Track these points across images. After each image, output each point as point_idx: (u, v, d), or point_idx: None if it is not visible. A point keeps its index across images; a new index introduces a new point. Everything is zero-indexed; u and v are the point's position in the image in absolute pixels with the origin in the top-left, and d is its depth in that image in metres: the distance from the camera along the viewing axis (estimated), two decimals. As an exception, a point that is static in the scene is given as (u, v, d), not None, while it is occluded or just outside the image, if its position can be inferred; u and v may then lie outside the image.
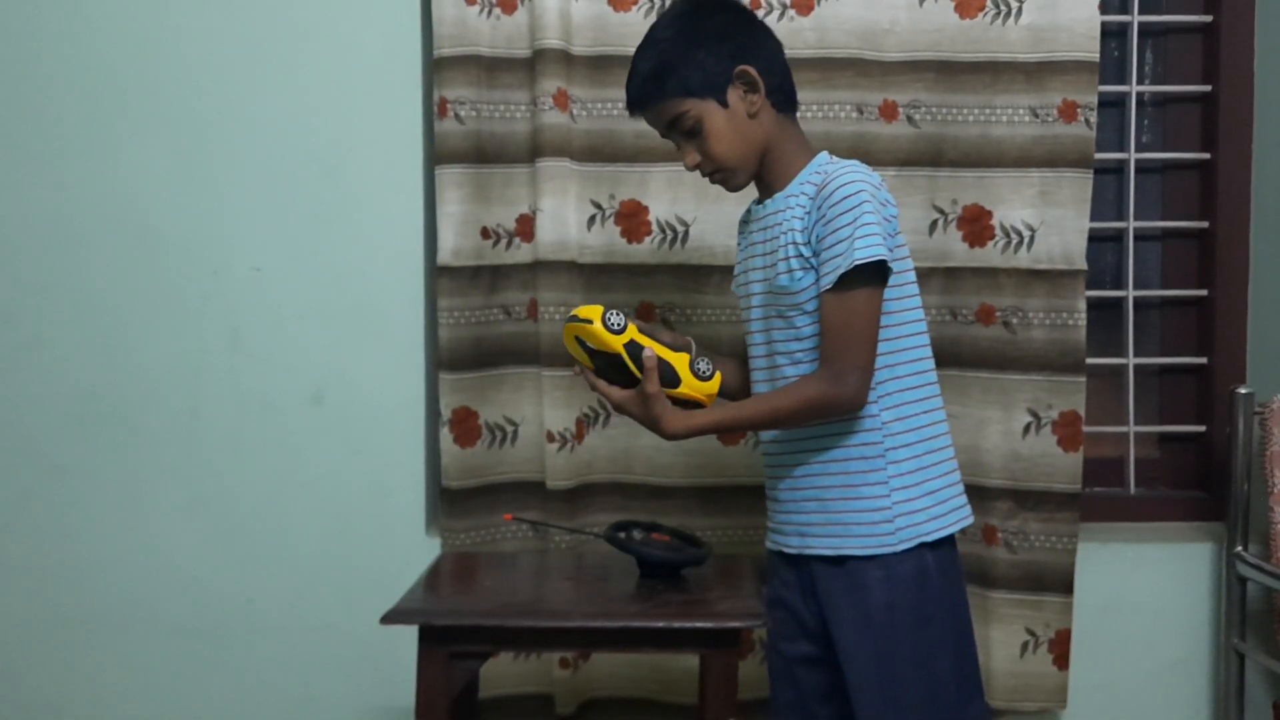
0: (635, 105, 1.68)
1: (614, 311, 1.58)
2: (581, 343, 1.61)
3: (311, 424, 2.15)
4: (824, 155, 1.66)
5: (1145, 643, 2.18)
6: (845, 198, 1.55)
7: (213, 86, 2.13)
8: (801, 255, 1.59)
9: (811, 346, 1.61)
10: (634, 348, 1.57)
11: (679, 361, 1.61)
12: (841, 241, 1.54)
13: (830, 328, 1.57)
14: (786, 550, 1.69)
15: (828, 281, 1.55)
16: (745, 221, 1.77)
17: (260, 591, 2.16)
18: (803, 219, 1.60)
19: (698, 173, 1.69)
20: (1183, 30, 2.31)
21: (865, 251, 1.52)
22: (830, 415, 1.59)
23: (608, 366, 1.62)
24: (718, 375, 1.64)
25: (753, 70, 1.63)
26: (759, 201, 1.72)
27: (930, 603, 1.62)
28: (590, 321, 1.56)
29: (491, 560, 1.94)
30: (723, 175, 1.67)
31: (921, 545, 1.60)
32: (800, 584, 1.69)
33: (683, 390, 1.61)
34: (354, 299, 2.14)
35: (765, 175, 1.68)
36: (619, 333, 1.57)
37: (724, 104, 1.62)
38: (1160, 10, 2.31)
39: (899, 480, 1.62)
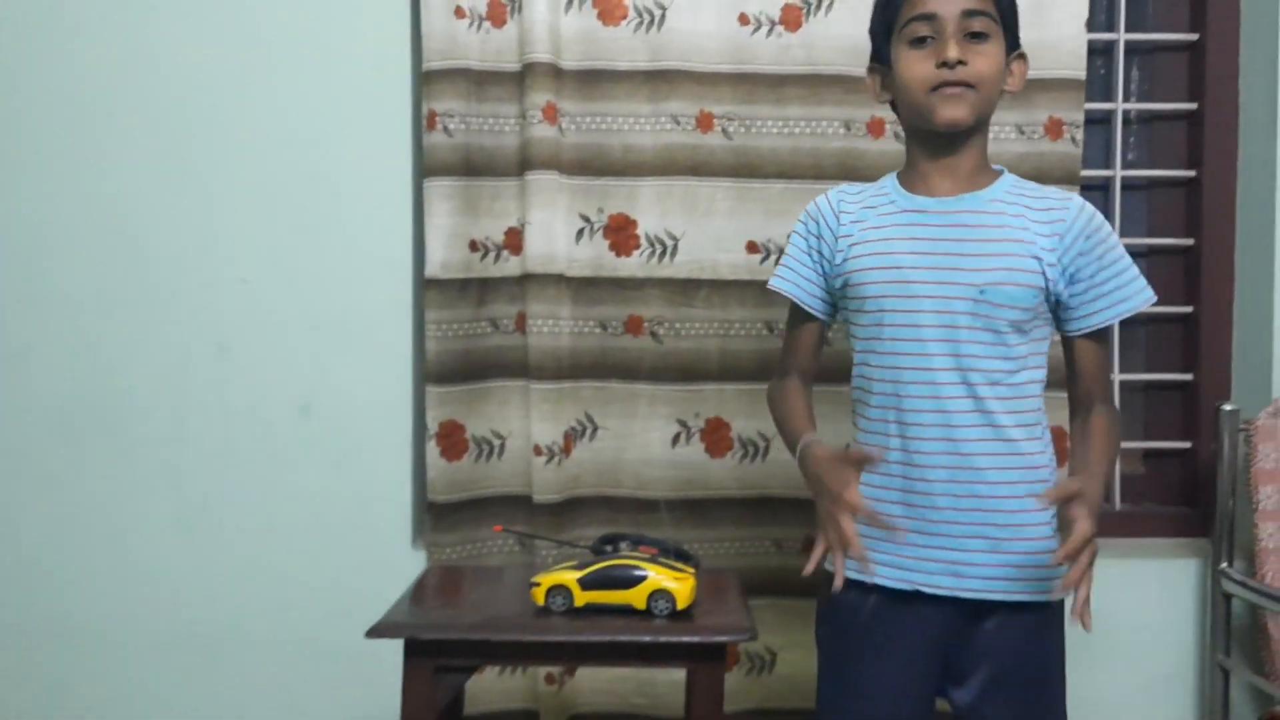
0: None
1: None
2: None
3: (298, 436, 2.14)
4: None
5: (1131, 658, 2.18)
6: (1109, 236, 1.53)
7: (201, 98, 2.12)
8: (1043, 273, 1.50)
9: (1014, 369, 1.51)
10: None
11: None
12: (1127, 284, 1.52)
13: (1101, 366, 1.56)
14: (926, 590, 1.53)
15: (1107, 317, 1.53)
16: (892, 209, 1.58)
17: (246, 604, 2.15)
18: (1049, 239, 1.51)
19: (943, 76, 1.52)
20: (1169, 48, 2.32)
21: (1146, 294, 1.53)
22: None
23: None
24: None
25: (1027, 63, 1.59)
26: (914, 189, 1.58)
27: (1062, 655, 1.59)
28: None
29: (478, 574, 1.94)
30: (964, 93, 1.49)
31: None
32: (925, 622, 1.54)
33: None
34: (342, 311, 2.14)
35: (965, 155, 1.55)
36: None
37: (1005, 50, 1.53)
38: (1146, 28, 2.32)
39: (1055, 523, 1.52)
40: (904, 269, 1.53)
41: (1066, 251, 1.51)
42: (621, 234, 2.13)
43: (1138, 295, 1.53)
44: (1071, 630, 2.07)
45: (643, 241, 2.13)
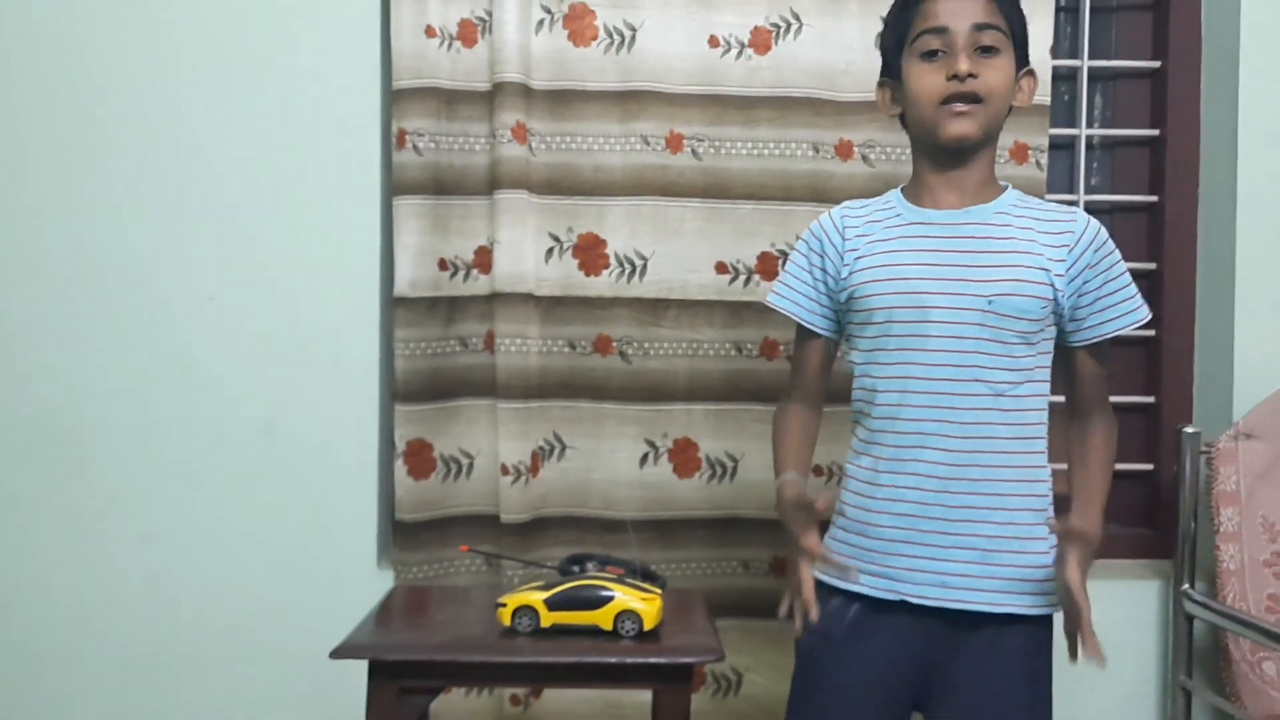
0: None
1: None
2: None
3: (264, 454, 2.13)
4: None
5: (1093, 679, 2.17)
6: (1113, 251, 1.56)
7: (170, 114, 2.11)
8: (1051, 285, 1.51)
9: (1021, 380, 1.51)
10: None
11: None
12: (1130, 299, 1.55)
13: (1101, 377, 1.59)
14: (913, 600, 1.52)
15: (1111, 329, 1.55)
16: (899, 222, 1.59)
17: (209, 623, 2.13)
18: (1058, 251, 1.52)
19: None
20: (1131, 75, 2.35)
21: (1143, 311, 1.56)
22: None
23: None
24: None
25: (1036, 80, 1.61)
26: (920, 203, 1.59)
27: (1049, 672, 1.59)
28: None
29: (444, 594, 1.93)
30: (973, 109, 1.51)
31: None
32: (909, 633, 1.55)
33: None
34: (309, 329, 2.13)
35: (972, 169, 1.56)
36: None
37: (1015, 66, 1.55)
38: (1109, 56, 2.35)
39: (1053, 539, 1.54)
40: (912, 280, 1.53)
41: (1075, 264, 1.53)
42: (591, 253, 2.13)
43: (1139, 310, 1.56)
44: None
45: (612, 261, 2.13)
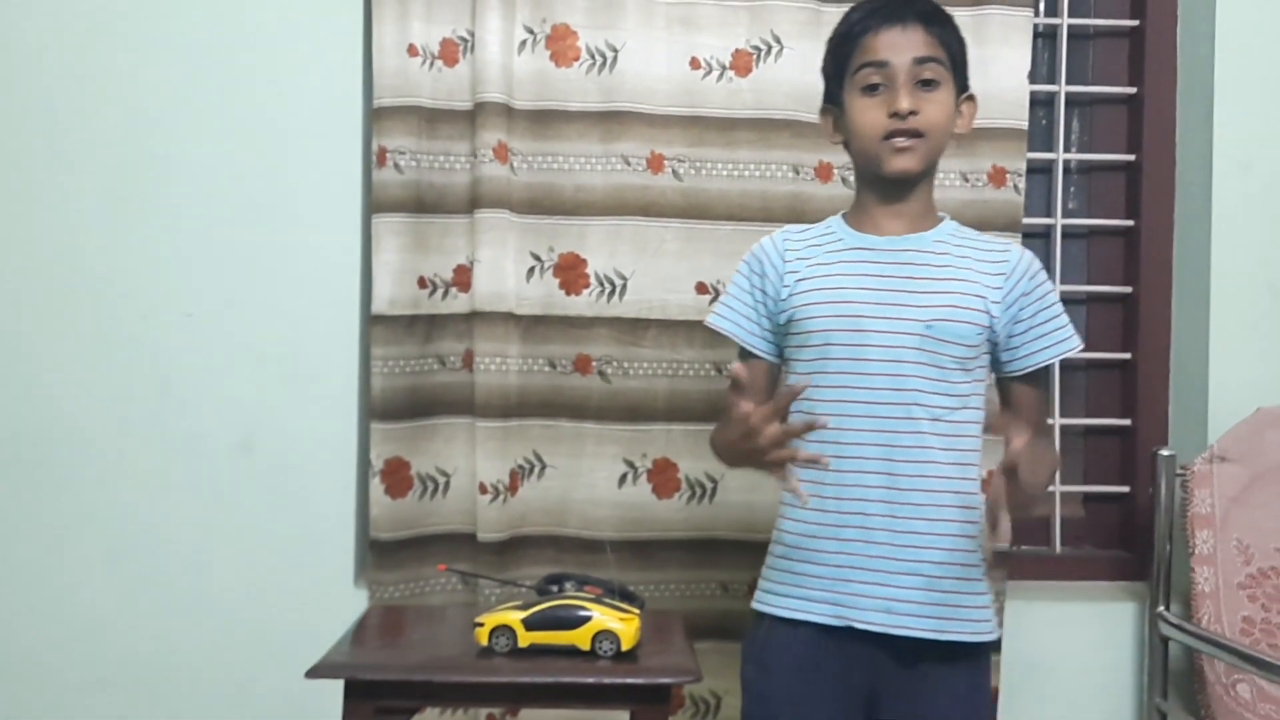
0: (921, 16, 1.55)
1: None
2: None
3: (240, 471, 2.12)
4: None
5: (1070, 701, 2.19)
6: (1046, 280, 1.61)
7: (150, 128, 2.11)
8: (987, 311, 1.54)
9: (956, 407, 1.54)
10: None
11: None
12: (1063, 327, 1.59)
13: (1039, 406, 1.63)
14: (858, 626, 1.52)
15: (1046, 357, 1.59)
16: (840, 247, 1.61)
17: (183, 642, 2.11)
18: (994, 279, 1.56)
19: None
20: (1108, 101, 2.38)
21: (1076, 339, 1.60)
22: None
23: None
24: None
25: (976, 104, 1.64)
26: (861, 228, 1.61)
27: (988, 696, 1.62)
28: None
29: (420, 613, 1.92)
30: (915, 144, 1.53)
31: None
32: (853, 659, 1.54)
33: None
34: (287, 346, 2.12)
35: (913, 199, 1.59)
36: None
37: (955, 94, 1.57)
38: (1087, 81, 2.38)
39: (984, 566, 1.58)
40: (852, 304, 1.55)
41: (1010, 292, 1.57)
42: (571, 273, 2.13)
43: (1071, 339, 1.60)
44: (1008, 673, 2.11)
45: (592, 281, 2.13)
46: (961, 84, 1.59)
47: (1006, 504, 1.34)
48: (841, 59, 1.59)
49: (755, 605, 1.62)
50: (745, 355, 1.67)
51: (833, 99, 1.62)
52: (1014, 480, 1.33)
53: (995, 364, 1.61)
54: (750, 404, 1.41)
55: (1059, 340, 1.59)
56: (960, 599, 1.52)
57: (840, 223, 1.64)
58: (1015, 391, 1.62)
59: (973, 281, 1.55)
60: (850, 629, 1.53)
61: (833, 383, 1.55)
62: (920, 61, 1.53)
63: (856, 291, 1.56)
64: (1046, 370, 1.62)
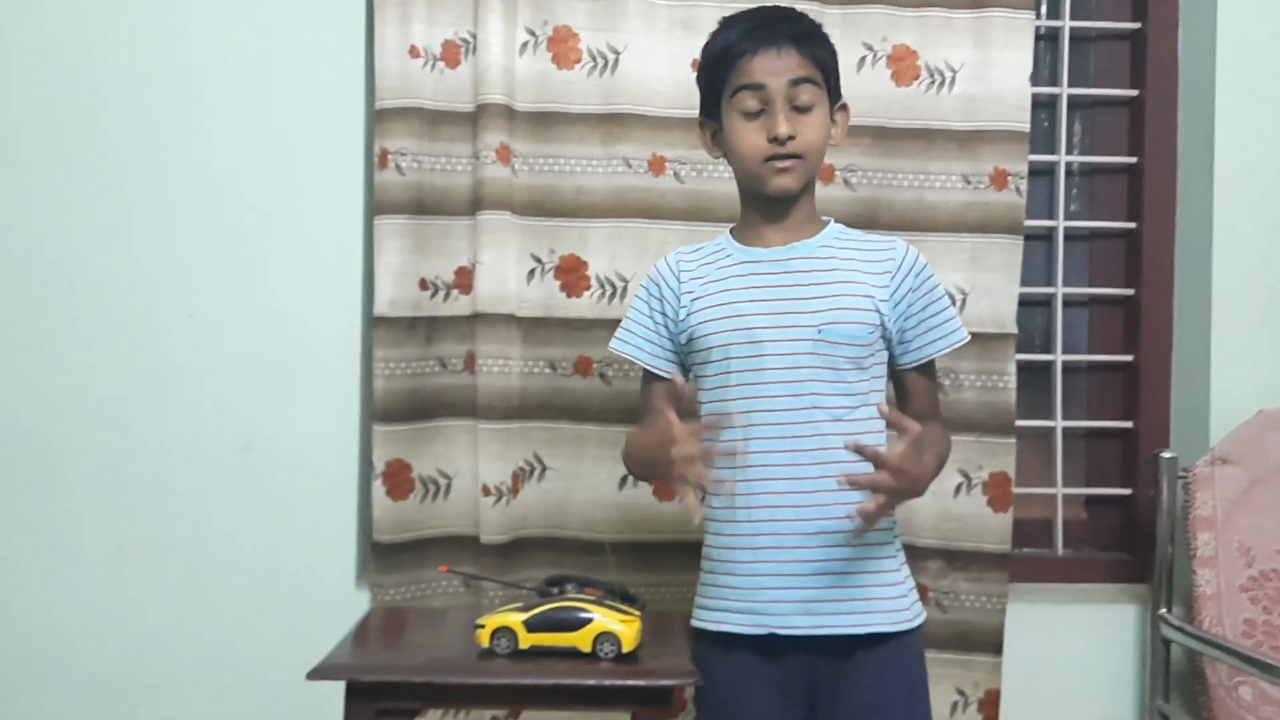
0: (795, 38, 1.58)
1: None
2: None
3: (240, 474, 2.12)
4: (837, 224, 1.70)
5: (1071, 703, 2.19)
6: (932, 275, 1.66)
7: (151, 132, 2.11)
8: (877, 310, 1.59)
9: (856, 405, 1.58)
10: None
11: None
12: (951, 320, 1.65)
13: (932, 393, 1.70)
14: (781, 632, 1.56)
15: (938, 349, 1.64)
16: (730, 263, 1.66)
17: (184, 644, 2.11)
18: (880, 278, 1.61)
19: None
20: (1110, 103, 2.38)
21: (964, 331, 1.66)
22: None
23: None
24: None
25: (849, 113, 1.68)
26: (748, 243, 1.66)
27: (925, 680, 1.65)
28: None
29: (421, 615, 1.92)
30: (795, 165, 1.58)
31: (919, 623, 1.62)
32: (789, 665, 1.58)
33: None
34: (288, 348, 2.12)
35: (794, 210, 1.64)
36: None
37: (830, 111, 1.62)
38: (1088, 83, 2.38)
39: (902, 555, 1.64)
40: (745, 316, 1.60)
41: (898, 289, 1.62)
42: (572, 275, 2.13)
43: (959, 331, 1.66)
44: (1010, 675, 2.11)
45: (593, 282, 2.13)
46: (834, 95, 1.64)
47: (884, 488, 1.44)
48: (718, 78, 1.62)
49: (692, 622, 1.66)
50: (650, 377, 1.72)
51: (710, 113, 1.67)
52: (902, 469, 1.44)
53: (890, 358, 1.66)
54: (675, 418, 1.48)
55: (948, 333, 1.65)
56: (876, 590, 1.57)
57: (729, 239, 1.70)
58: (909, 381, 1.68)
59: (860, 283, 1.60)
60: (774, 636, 1.56)
61: (736, 395, 1.60)
62: (796, 83, 1.57)
63: (749, 305, 1.61)
64: (934, 361, 1.68)
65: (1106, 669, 2.20)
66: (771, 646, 1.57)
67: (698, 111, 2.11)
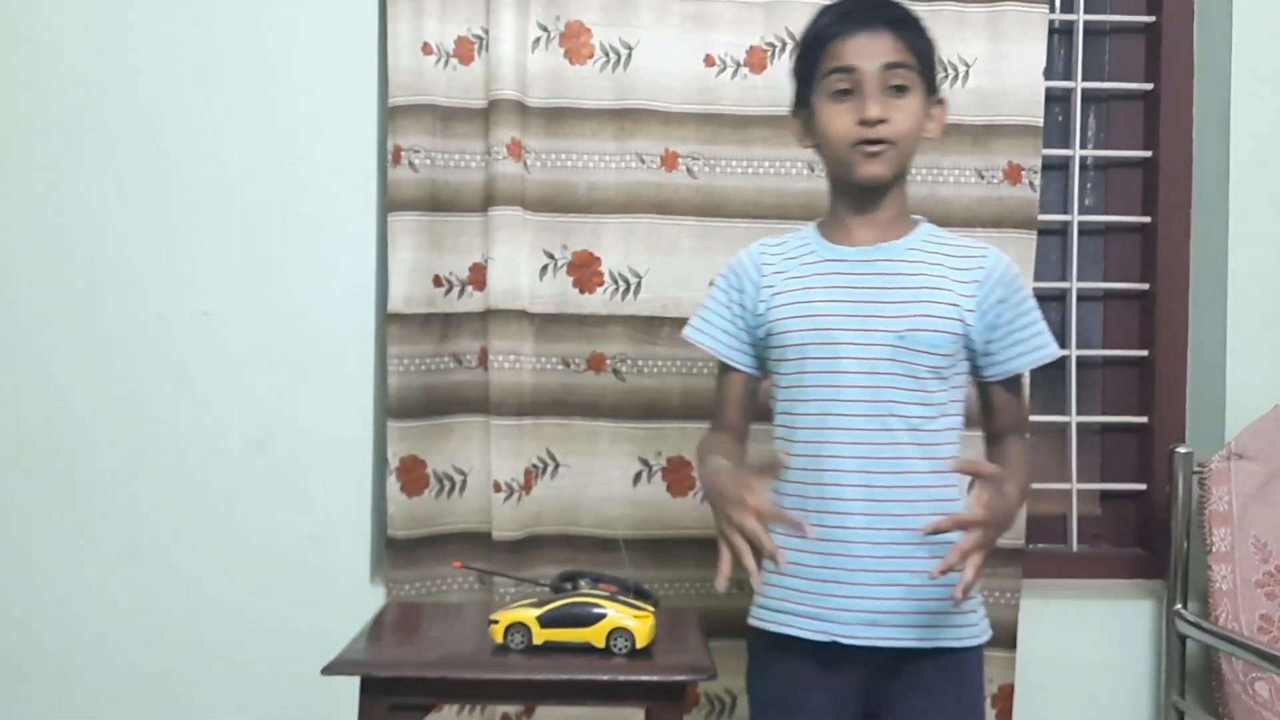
0: (890, 23, 1.53)
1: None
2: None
3: (256, 470, 2.12)
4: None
5: (1086, 699, 2.19)
6: (1024, 286, 1.60)
7: (165, 127, 2.12)
8: (962, 320, 1.54)
9: (933, 416, 1.53)
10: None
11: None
12: (1041, 334, 1.59)
13: (1018, 408, 1.63)
14: (843, 640, 1.52)
15: (1024, 364, 1.59)
16: (813, 259, 1.62)
17: (199, 640, 2.12)
18: (968, 286, 1.55)
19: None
20: (1124, 97, 2.37)
21: (1054, 346, 1.60)
22: None
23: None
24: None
25: (946, 107, 1.64)
26: (835, 238, 1.62)
27: (980, 707, 1.62)
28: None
29: (436, 611, 1.92)
30: (885, 150, 1.53)
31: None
32: (845, 673, 1.55)
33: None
34: (303, 345, 2.13)
35: (885, 206, 1.59)
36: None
37: (925, 98, 1.57)
38: (1103, 77, 2.37)
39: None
40: (824, 317, 1.56)
41: (986, 299, 1.56)
42: (585, 271, 2.13)
43: (1048, 347, 1.60)
44: (1024, 671, 2.11)
45: (606, 279, 2.13)
46: (931, 87, 1.59)
47: (981, 548, 1.38)
48: (810, 62, 1.58)
49: (750, 621, 1.64)
50: (725, 368, 1.68)
51: (803, 102, 1.62)
52: (992, 521, 1.38)
53: (974, 369, 1.61)
54: (755, 485, 1.43)
55: (1036, 348, 1.59)
56: (944, 605, 1.51)
57: (815, 233, 1.65)
58: (993, 396, 1.62)
59: (947, 290, 1.55)
60: (836, 644, 1.53)
61: (811, 396, 1.56)
62: (890, 67, 1.52)
63: (829, 305, 1.56)
64: (1021, 377, 1.63)
65: (1121, 665, 2.19)
66: (829, 653, 1.54)
67: (720, 107, 2.11)
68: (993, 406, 1.63)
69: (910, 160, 1.59)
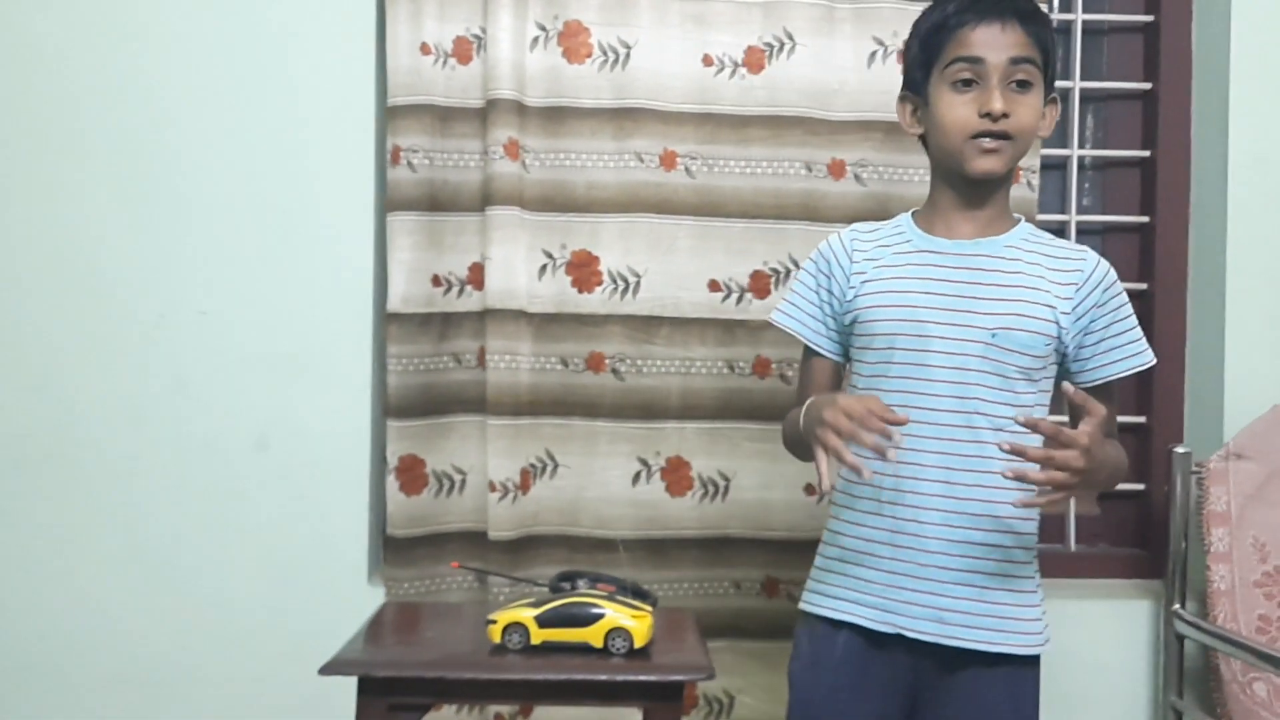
0: (1021, 15, 1.50)
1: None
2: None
3: (256, 469, 2.12)
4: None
5: (1084, 699, 2.19)
6: (1121, 292, 1.57)
7: (164, 127, 2.12)
8: (1056, 321, 1.51)
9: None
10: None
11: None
12: (1137, 341, 1.56)
13: (1110, 415, 1.52)
14: (909, 634, 1.51)
15: (1117, 371, 1.56)
16: (908, 249, 1.59)
17: (197, 639, 2.12)
18: (1065, 289, 1.52)
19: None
20: (1123, 97, 2.37)
21: (1150, 354, 1.57)
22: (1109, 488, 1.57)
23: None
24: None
25: (1059, 107, 1.61)
26: (932, 229, 1.59)
27: (1036, 712, 1.58)
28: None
29: (434, 611, 1.92)
30: (1003, 146, 1.50)
31: None
32: (897, 666, 1.54)
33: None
34: (302, 344, 2.13)
35: (990, 202, 1.56)
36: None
37: (1043, 95, 1.54)
38: (1101, 77, 2.37)
39: (1038, 576, 1.56)
40: (917, 308, 1.53)
41: (1082, 303, 1.53)
42: (584, 270, 2.13)
43: (1144, 354, 1.56)
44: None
45: (605, 278, 2.13)
46: (1050, 85, 1.56)
47: (1071, 468, 1.33)
48: (932, 49, 1.53)
49: (804, 606, 1.62)
50: (810, 353, 1.66)
51: (914, 88, 1.59)
52: (1091, 450, 1.34)
53: (1065, 375, 1.57)
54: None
55: (1130, 355, 1.56)
56: (1012, 610, 1.51)
57: (910, 222, 1.61)
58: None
59: (1042, 290, 1.52)
60: (899, 636, 1.52)
61: (896, 387, 1.53)
62: (1016, 62, 1.49)
63: (921, 296, 1.53)
64: (1116, 385, 1.58)
65: (1120, 665, 2.19)
66: (888, 646, 1.53)
67: (718, 107, 2.10)
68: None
69: (1023, 157, 1.56)
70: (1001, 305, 1.51)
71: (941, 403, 1.50)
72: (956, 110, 1.50)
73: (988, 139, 1.49)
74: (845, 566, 1.57)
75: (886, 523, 1.53)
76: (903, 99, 1.62)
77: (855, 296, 1.58)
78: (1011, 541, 1.51)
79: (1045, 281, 1.53)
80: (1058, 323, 1.51)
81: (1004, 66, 1.48)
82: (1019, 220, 1.60)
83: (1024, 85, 1.50)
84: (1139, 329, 1.57)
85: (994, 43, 1.48)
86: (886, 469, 1.48)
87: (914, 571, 1.51)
